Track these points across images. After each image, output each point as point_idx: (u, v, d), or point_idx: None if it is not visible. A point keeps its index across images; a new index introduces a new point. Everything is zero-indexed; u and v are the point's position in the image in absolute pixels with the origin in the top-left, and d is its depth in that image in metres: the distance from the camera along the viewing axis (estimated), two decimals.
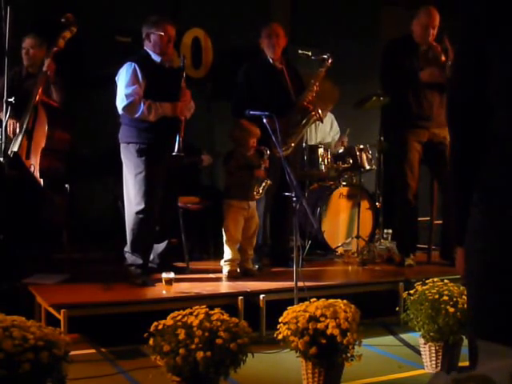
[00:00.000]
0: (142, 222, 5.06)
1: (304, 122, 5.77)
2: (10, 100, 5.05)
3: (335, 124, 7.33)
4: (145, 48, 5.21)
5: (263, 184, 5.24)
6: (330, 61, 5.83)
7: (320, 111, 5.78)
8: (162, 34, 5.13)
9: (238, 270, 5.31)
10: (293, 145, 5.70)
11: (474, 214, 1.66)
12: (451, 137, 1.81)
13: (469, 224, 1.68)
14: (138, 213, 5.05)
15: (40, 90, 5.38)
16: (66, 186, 5.47)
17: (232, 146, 5.42)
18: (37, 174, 5.32)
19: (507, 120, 1.56)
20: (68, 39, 5.44)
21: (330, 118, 7.20)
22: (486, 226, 1.60)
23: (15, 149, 5.33)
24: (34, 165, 5.34)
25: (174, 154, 5.03)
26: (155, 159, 5.04)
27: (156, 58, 5.19)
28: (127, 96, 4.98)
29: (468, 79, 1.72)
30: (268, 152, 5.28)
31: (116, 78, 5.11)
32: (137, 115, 4.99)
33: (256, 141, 5.30)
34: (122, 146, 5.14)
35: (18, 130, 5.36)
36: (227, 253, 5.29)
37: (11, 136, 5.37)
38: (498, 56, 1.58)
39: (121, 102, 5.01)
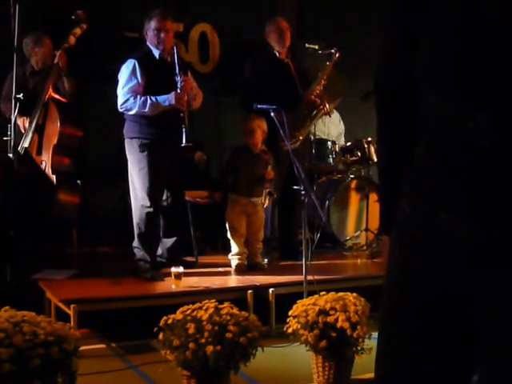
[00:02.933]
0: (148, 217, 5.08)
1: (312, 115, 5.76)
2: (18, 96, 5.05)
3: (341, 122, 7.31)
4: (147, 44, 5.25)
5: (268, 196, 5.28)
6: (337, 55, 5.82)
7: (327, 105, 5.77)
8: (153, 27, 5.16)
9: (246, 263, 5.30)
10: (301, 138, 5.70)
11: (402, 203, 1.48)
12: (377, 126, 1.60)
13: (396, 213, 1.49)
14: (143, 207, 5.07)
15: (51, 85, 5.40)
16: (78, 182, 5.49)
17: (238, 141, 5.43)
18: (49, 170, 5.33)
19: (436, 107, 1.37)
20: (79, 36, 5.45)
21: (337, 116, 7.18)
22: (413, 222, 1.44)
23: (26, 145, 5.34)
24: (46, 161, 5.35)
25: (182, 145, 5.04)
26: (158, 154, 5.05)
27: (156, 53, 5.21)
28: (124, 93, 5.05)
29: (392, 59, 1.51)
30: (270, 163, 5.28)
31: (118, 76, 5.15)
32: (133, 111, 5.03)
33: (262, 136, 5.29)
34: (126, 142, 5.17)
35: (28, 126, 5.37)
36: (233, 247, 5.30)
37: (23, 132, 5.38)
38: (426, 31, 1.36)
39: (119, 100, 5.08)
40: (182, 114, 5.07)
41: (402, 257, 1.48)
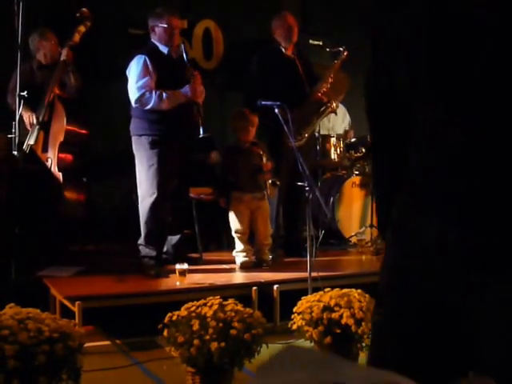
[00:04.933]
0: (156, 214, 5.07)
1: (318, 113, 5.76)
2: (22, 94, 5.05)
3: (347, 116, 7.31)
4: (152, 40, 5.24)
5: (272, 186, 5.28)
6: (345, 53, 5.81)
7: (334, 103, 5.77)
8: (166, 26, 5.15)
9: (250, 260, 5.29)
10: (306, 135, 5.69)
11: (397, 201, 1.46)
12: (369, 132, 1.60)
13: (392, 213, 1.48)
14: (151, 205, 5.06)
15: (57, 83, 5.41)
16: (84, 179, 5.49)
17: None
18: (55, 167, 5.34)
19: (417, 111, 1.36)
20: (83, 34, 5.46)
21: (342, 109, 7.18)
22: (406, 224, 1.42)
23: (31, 142, 5.34)
24: (52, 158, 5.36)
25: (200, 136, 5.08)
26: (168, 150, 5.05)
27: (163, 49, 5.21)
28: (139, 88, 5.01)
29: (375, 62, 1.50)
30: (264, 155, 5.27)
31: (127, 72, 5.14)
32: (149, 106, 5.01)
33: (251, 129, 5.28)
34: (134, 139, 5.16)
35: (35, 122, 5.37)
36: (238, 244, 5.30)
37: (29, 127, 5.39)
38: (398, 33, 1.35)
39: (133, 95, 5.04)
40: (196, 106, 5.13)
41: (395, 258, 1.47)
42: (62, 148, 5.38)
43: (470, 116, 1.24)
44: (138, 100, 5.03)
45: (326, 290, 3.73)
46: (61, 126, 5.37)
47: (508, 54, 1.19)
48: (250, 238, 5.37)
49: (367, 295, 3.63)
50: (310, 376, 0.70)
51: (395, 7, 1.37)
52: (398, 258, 1.46)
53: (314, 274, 4.36)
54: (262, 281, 4.76)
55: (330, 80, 5.77)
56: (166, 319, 3.26)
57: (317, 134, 6.40)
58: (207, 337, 3.08)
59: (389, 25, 1.40)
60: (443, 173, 1.33)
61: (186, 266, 4.69)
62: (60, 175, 5.32)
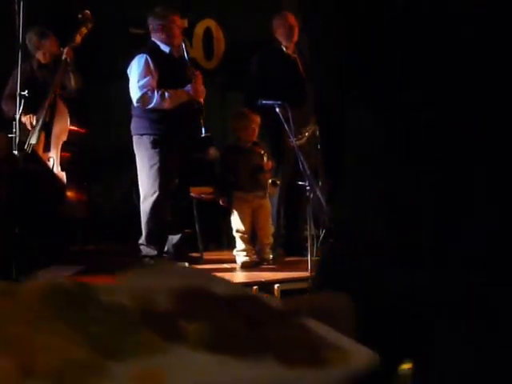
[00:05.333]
0: (157, 214, 5.07)
1: None
2: (23, 94, 5.05)
3: None
4: (153, 39, 5.23)
5: (272, 185, 5.28)
6: None
7: None
8: (167, 25, 5.17)
9: (251, 259, 5.28)
10: (307, 135, 5.68)
11: (344, 201, 1.50)
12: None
13: (341, 212, 1.52)
14: (152, 204, 5.05)
15: (59, 82, 5.41)
16: (85, 184, 5.50)
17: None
18: (57, 167, 5.34)
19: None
20: (84, 35, 5.46)
21: None
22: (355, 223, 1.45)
23: (33, 141, 5.34)
24: (54, 158, 5.35)
25: (202, 136, 5.08)
26: (169, 149, 5.05)
27: (165, 48, 5.21)
28: (140, 87, 5.01)
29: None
30: (265, 155, 5.26)
31: (128, 71, 5.13)
32: (151, 105, 5.01)
33: (256, 128, 5.27)
34: (135, 138, 5.15)
35: (35, 123, 5.37)
36: (238, 243, 5.29)
37: (29, 129, 5.38)
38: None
39: (135, 94, 5.04)
40: (197, 106, 5.14)
41: (344, 259, 1.47)
42: (65, 147, 5.38)
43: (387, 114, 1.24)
44: (139, 99, 5.02)
45: None
46: (64, 126, 5.37)
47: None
48: (252, 237, 5.37)
49: None
50: (181, 280, 0.73)
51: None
52: (347, 259, 1.45)
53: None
54: (263, 280, 4.76)
55: None
56: None
57: (318, 133, 6.39)
58: None
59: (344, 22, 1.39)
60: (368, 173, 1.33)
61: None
62: (63, 175, 5.32)
